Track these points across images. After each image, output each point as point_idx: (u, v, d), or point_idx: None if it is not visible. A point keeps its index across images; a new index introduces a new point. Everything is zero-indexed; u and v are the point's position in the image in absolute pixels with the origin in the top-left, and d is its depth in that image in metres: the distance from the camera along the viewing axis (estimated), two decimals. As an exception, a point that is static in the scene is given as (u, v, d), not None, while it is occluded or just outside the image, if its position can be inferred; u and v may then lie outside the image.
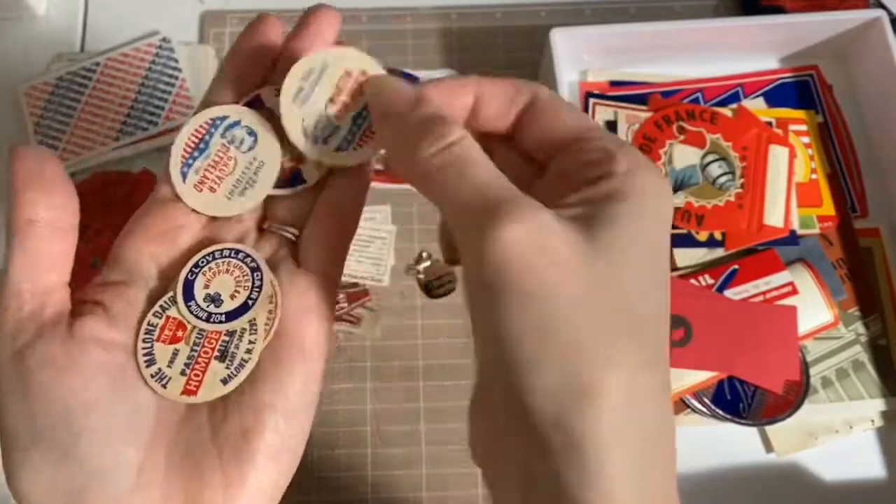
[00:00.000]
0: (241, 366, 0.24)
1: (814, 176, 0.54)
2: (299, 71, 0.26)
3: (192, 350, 0.24)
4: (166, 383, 0.23)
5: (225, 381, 0.23)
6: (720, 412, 0.47)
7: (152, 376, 0.23)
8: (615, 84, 0.56)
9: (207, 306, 0.24)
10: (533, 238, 0.20)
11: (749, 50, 0.57)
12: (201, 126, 0.27)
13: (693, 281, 0.50)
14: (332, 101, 0.26)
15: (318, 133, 0.26)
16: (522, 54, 0.58)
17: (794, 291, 0.49)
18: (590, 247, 0.20)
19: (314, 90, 0.26)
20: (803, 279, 0.50)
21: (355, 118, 0.26)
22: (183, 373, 0.23)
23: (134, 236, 0.25)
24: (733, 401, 0.48)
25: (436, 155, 0.22)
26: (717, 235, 0.51)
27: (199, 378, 0.23)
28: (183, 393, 0.23)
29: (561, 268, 0.20)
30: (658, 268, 0.22)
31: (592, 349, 0.19)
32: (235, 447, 0.22)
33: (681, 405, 0.48)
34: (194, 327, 0.24)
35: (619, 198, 0.21)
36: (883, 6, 0.57)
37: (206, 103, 0.27)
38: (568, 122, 0.24)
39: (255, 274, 0.25)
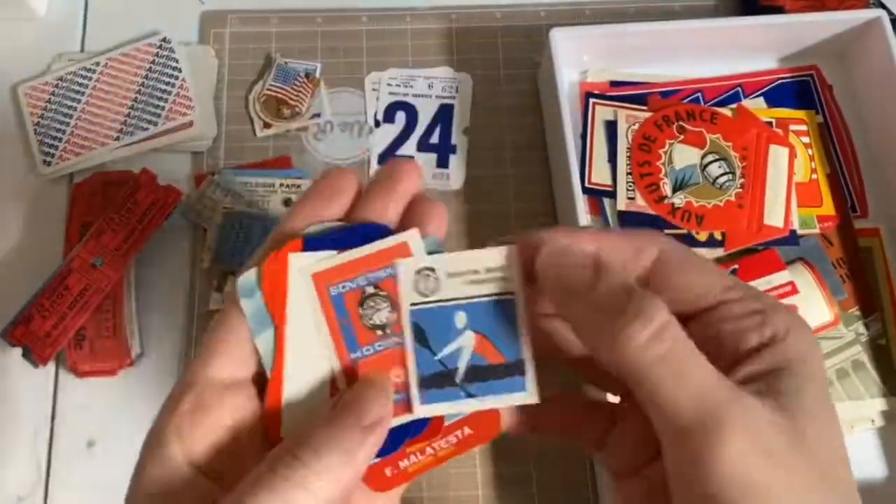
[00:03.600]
0: None
1: (814, 176, 0.54)
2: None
3: None
4: None
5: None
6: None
7: None
8: (615, 84, 0.56)
9: None
10: (756, 447, 0.20)
11: (749, 50, 0.57)
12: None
13: (693, 281, 0.49)
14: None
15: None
16: (522, 54, 0.58)
17: (795, 291, 0.49)
18: (797, 434, 0.20)
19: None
20: (803, 279, 0.50)
21: None
22: None
23: None
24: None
25: (649, 345, 0.20)
26: (717, 235, 0.51)
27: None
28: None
29: (785, 468, 0.20)
30: (838, 427, 0.22)
31: None
32: None
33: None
34: None
35: (790, 368, 0.21)
36: (883, 6, 0.57)
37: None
38: (705, 280, 0.23)
39: None
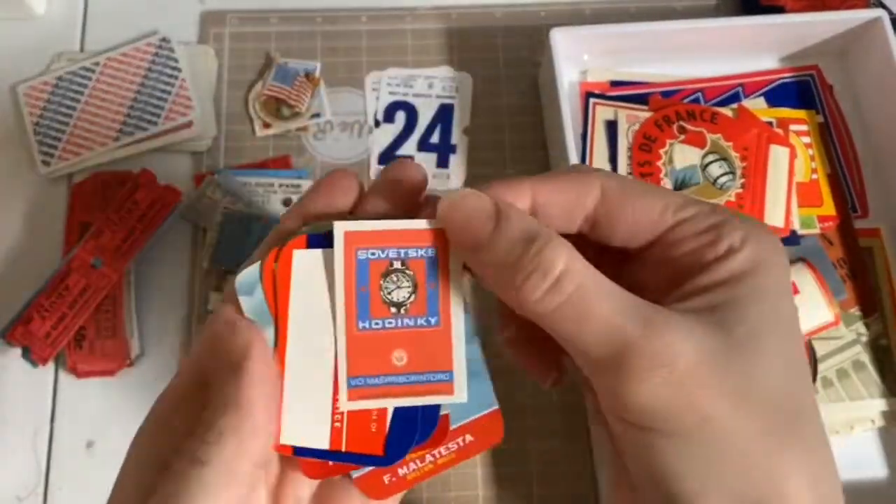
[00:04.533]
0: None
1: (814, 176, 0.54)
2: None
3: None
4: None
5: None
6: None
7: None
8: (615, 84, 0.56)
9: None
10: (675, 377, 0.19)
11: (749, 50, 0.57)
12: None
13: (693, 281, 0.49)
14: None
15: None
16: (522, 54, 0.58)
17: (795, 291, 0.49)
18: (730, 353, 0.19)
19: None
20: (804, 279, 0.49)
21: None
22: None
23: None
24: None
25: (545, 298, 0.20)
26: (718, 235, 0.51)
27: None
28: None
29: (709, 391, 0.19)
30: (797, 346, 0.20)
31: (762, 466, 0.19)
32: None
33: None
34: None
35: (738, 280, 0.20)
36: (883, 6, 0.57)
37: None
38: (651, 206, 0.22)
39: None
